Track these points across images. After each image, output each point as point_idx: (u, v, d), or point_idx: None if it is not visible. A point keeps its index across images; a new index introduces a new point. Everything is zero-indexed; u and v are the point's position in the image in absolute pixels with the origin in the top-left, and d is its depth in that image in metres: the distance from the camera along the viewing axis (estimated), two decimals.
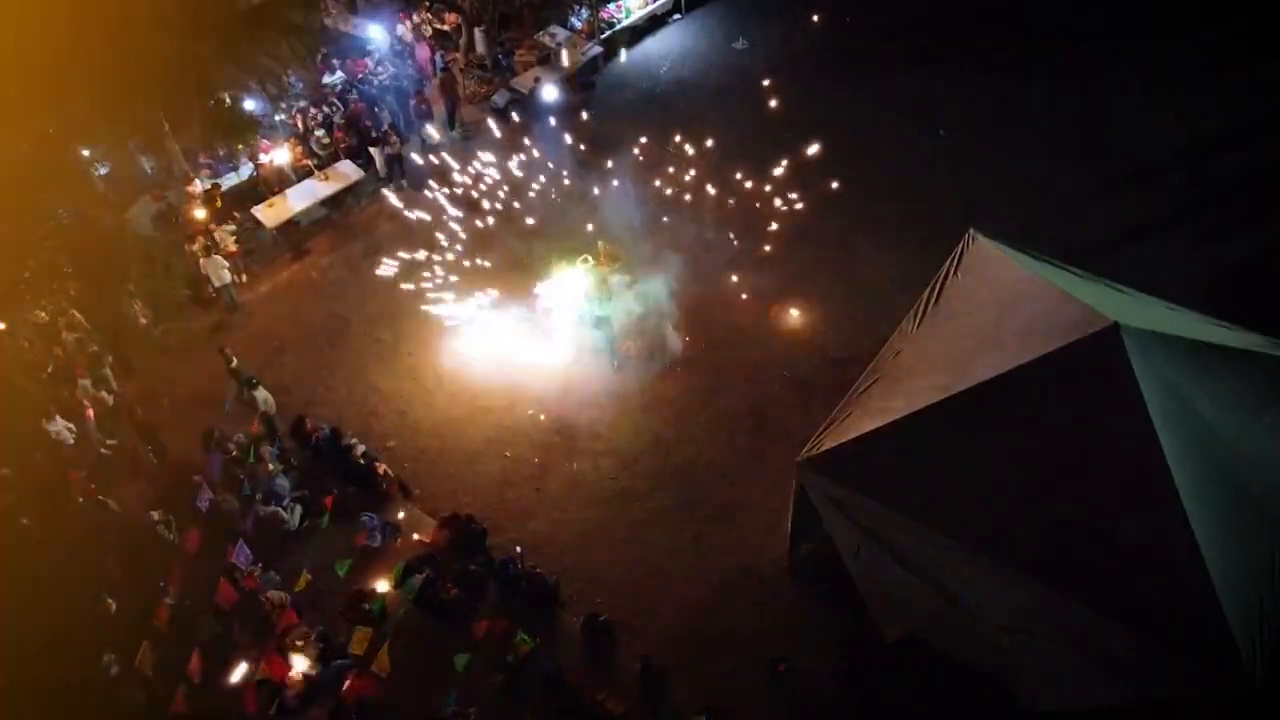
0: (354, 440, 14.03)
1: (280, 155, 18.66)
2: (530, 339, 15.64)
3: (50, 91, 12.96)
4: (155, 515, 13.02)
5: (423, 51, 21.66)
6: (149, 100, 15.08)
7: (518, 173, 18.74)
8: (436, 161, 19.28)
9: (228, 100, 16.29)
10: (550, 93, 20.21)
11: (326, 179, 18.67)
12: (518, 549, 12.60)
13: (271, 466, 13.75)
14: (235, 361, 14.64)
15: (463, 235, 17.57)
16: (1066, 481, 9.32)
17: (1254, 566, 9.29)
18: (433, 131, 19.04)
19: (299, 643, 11.65)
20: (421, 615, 12.14)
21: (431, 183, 19.05)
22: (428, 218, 18.03)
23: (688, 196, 17.95)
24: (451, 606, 12.13)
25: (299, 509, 13.34)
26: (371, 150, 18.93)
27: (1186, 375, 9.67)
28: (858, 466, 10.20)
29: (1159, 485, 8.90)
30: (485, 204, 18.29)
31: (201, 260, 16.35)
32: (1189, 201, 16.31)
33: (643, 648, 11.61)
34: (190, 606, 12.20)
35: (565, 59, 21.04)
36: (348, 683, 11.13)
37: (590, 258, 15.78)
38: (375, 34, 21.98)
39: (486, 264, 16.81)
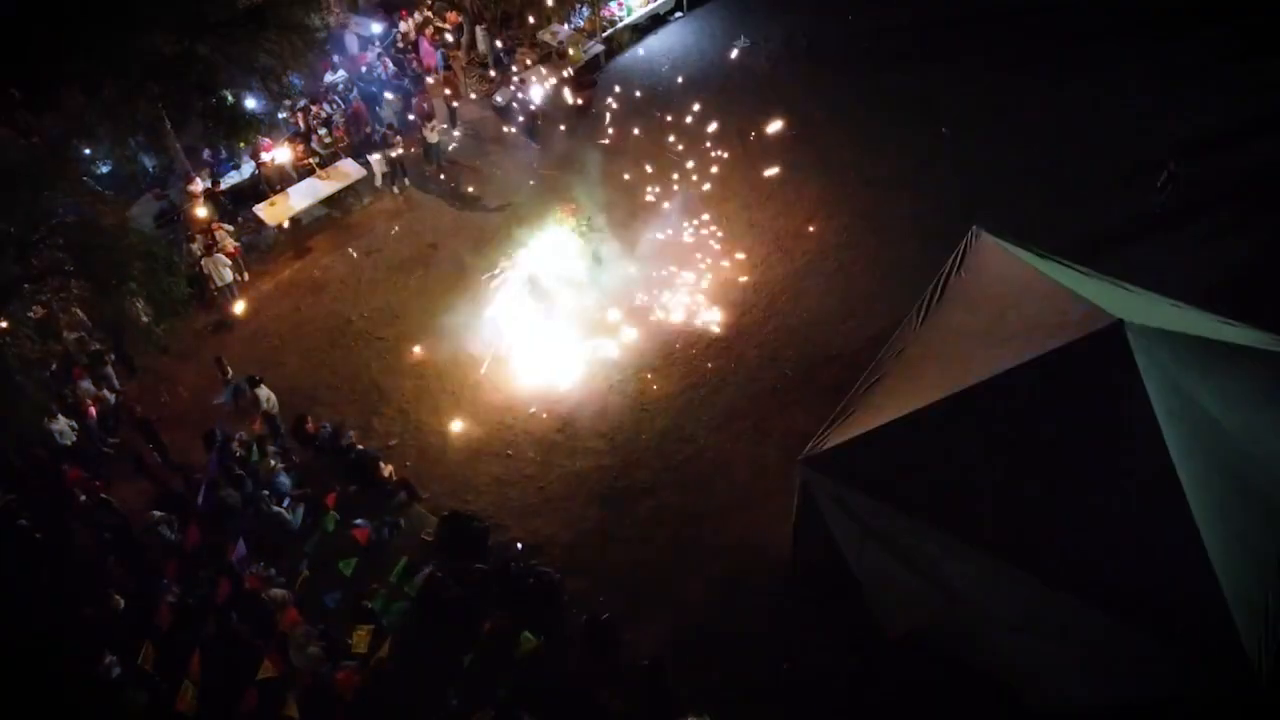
0: (355, 438, 14.00)
1: (281, 154, 18.65)
2: (530, 337, 15.61)
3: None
4: (156, 514, 13.00)
5: (424, 49, 21.65)
6: (149, 99, 15.07)
7: (518, 171, 18.70)
8: (438, 160, 19.25)
9: (229, 99, 16.26)
10: (551, 91, 20.18)
11: (328, 178, 18.65)
12: (518, 546, 12.55)
13: (273, 464, 13.72)
14: (230, 373, 14.63)
15: (464, 233, 17.54)
16: (1071, 479, 9.28)
17: (1260, 565, 9.22)
18: (434, 130, 19.05)
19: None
20: (424, 614, 12.11)
21: (432, 181, 19.03)
22: (429, 216, 17.99)
23: (690, 195, 17.90)
24: (454, 605, 12.08)
25: (301, 507, 13.32)
26: (372, 150, 18.90)
27: (1191, 372, 9.62)
28: (861, 465, 10.16)
29: (1164, 483, 8.86)
30: (486, 202, 18.27)
31: (203, 259, 16.34)
32: (1192, 198, 16.24)
33: (644, 647, 11.55)
34: (191, 605, 12.16)
35: (567, 57, 20.99)
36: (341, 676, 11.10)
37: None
38: (377, 32, 21.97)
39: (487, 262, 16.77)
